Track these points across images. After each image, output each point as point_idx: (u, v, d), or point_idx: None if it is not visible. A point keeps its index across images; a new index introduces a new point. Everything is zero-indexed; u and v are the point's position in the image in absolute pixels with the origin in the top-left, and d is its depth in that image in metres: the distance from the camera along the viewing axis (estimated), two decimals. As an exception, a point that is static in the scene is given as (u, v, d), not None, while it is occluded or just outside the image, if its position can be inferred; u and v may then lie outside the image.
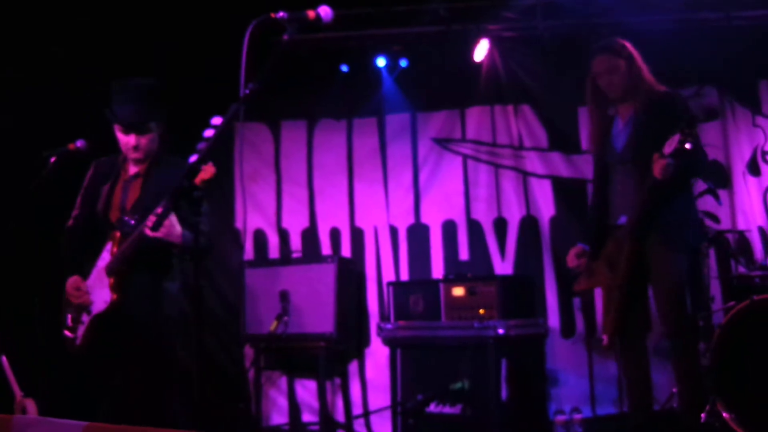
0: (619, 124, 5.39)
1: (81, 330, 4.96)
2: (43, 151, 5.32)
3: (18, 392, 6.26)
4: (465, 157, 7.68)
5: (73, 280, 5.04)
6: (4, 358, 6.32)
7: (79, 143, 5.26)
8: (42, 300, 5.50)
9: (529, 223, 7.46)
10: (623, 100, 5.34)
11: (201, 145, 3.54)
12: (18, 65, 6.99)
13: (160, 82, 5.34)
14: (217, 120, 3.56)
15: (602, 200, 5.49)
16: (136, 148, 5.06)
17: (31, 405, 6.23)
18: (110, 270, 4.92)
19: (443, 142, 7.74)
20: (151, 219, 4.70)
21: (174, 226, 4.78)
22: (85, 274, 5.03)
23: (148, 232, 4.71)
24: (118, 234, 4.94)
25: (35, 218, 6.99)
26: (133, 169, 5.13)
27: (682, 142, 4.72)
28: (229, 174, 7.93)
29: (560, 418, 6.49)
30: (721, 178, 6.97)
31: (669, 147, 4.78)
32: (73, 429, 2.77)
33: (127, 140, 5.07)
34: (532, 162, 7.50)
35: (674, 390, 6.02)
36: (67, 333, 5.00)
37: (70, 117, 5.98)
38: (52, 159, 5.27)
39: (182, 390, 5.01)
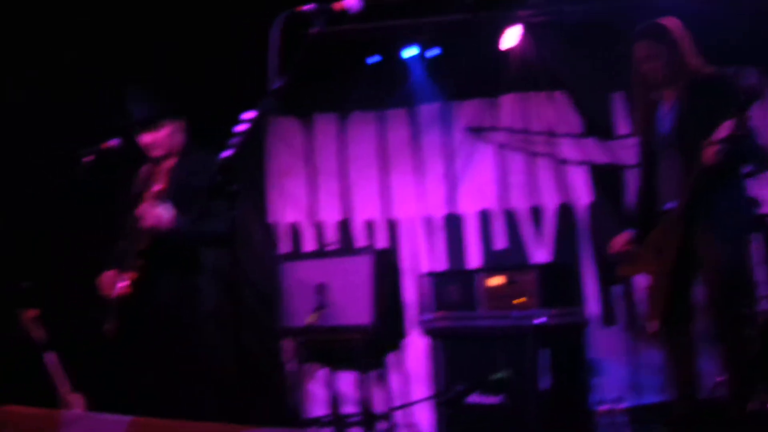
0: (664, 108, 5.23)
1: (112, 320, 4.98)
2: (77, 150, 5.30)
3: (65, 387, 6.31)
4: (499, 145, 7.58)
5: (105, 274, 5.07)
6: (52, 354, 6.38)
7: (113, 142, 5.22)
8: (86, 296, 5.50)
9: (565, 211, 7.35)
10: (667, 84, 5.21)
11: (234, 140, 3.50)
12: (50, 63, 7.00)
13: (171, 78, 5.31)
14: (248, 115, 3.51)
15: (649, 186, 5.38)
16: (152, 145, 5.08)
17: (78, 400, 6.28)
18: (126, 265, 4.92)
19: (476, 131, 7.65)
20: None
21: (160, 214, 4.75)
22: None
23: (142, 224, 4.75)
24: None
25: (72, 217, 7.02)
26: (163, 166, 5.13)
27: (736, 127, 4.59)
28: (261, 169, 7.93)
29: (603, 407, 6.39)
30: (764, 160, 6.83)
31: (721, 132, 4.64)
32: (119, 424, 2.74)
33: (143, 140, 5.10)
34: (567, 149, 7.37)
35: (721, 378, 5.90)
36: (107, 325, 5.01)
37: (105, 116, 5.96)
38: (87, 159, 5.24)
39: (219, 384, 5.00)
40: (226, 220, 4.60)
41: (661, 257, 5.10)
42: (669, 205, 5.11)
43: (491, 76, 7.58)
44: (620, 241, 5.42)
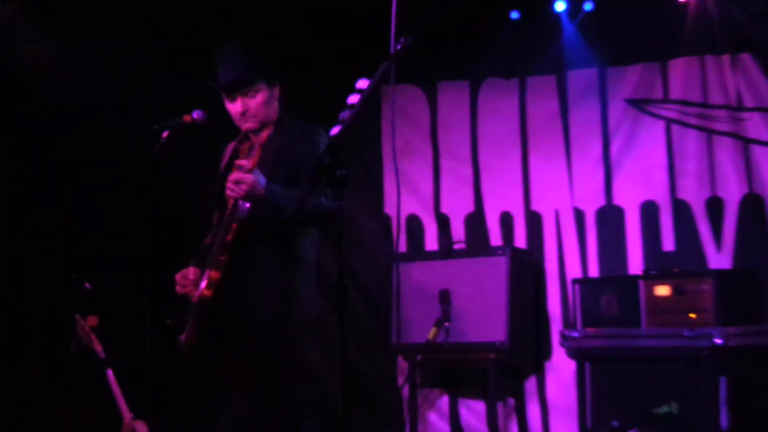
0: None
1: (190, 328, 4.85)
2: (154, 124, 5.32)
3: (127, 414, 6.44)
4: (668, 121, 7.36)
5: (185, 269, 5.03)
6: (110, 372, 6.49)
7: (196, 114, 5.10)
8: (159, 301, 5.58)
9: (753, 204, 7.06)
10: None
11: (344, 114, 3.47)
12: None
13: (270, 36, 5.32)
14: (363, 83, 3.47)
15: None
16: (244, 113, 4.98)
17: (141, 428, 6.41)
18: (209, 262, 4.91)
19: (640, 104, 7.48)
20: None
21: (255, 179, 4.66)
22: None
23: (229, 192, 4.67)
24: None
25: (145, 203, 7.15)
26: (254, 140, 5.07)
27: None
28: (376, 148, 7.95)
29: (794, 450, 6.27)
30: None
31: None
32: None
33: (234, 108, 5.02)
34: (756, 126, 7.03)
35: None
36: (183, 335, 4.96)
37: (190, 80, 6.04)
38: (165, 133, 5.25)
39: (319, 409, 5.04)
40: (332, 198, 4.61)
41: None
42: None
43: (659, 35, 7.41)
44: None
